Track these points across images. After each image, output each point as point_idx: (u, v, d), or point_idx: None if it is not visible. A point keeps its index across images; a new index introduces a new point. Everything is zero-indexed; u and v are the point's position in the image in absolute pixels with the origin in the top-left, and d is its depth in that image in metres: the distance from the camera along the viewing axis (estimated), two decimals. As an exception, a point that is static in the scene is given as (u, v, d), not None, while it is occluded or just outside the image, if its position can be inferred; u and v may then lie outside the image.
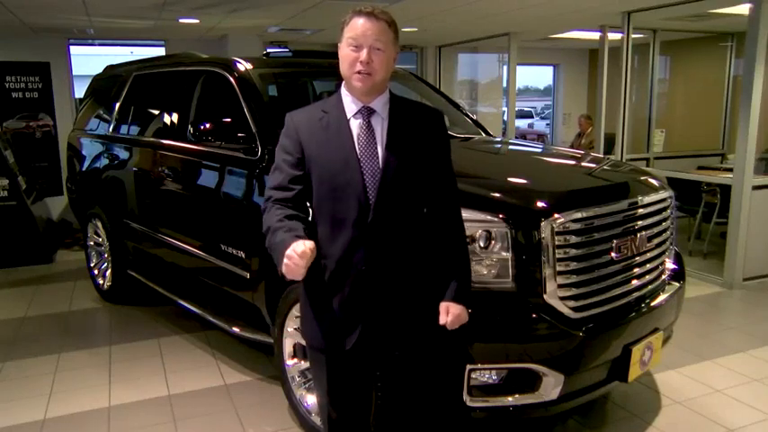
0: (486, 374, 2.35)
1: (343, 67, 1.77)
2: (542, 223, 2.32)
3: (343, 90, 1.84)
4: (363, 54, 1.72)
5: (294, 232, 1.67)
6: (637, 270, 2.62)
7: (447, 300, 1.86)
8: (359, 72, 1.73)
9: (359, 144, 1.77)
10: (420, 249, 1.85)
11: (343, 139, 1.78)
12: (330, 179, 1.76)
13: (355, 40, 1.73)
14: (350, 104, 1.81)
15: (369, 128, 1.79)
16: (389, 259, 1.78)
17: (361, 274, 1.76)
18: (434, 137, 1.88)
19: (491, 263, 2.31)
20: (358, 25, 1.73)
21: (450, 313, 1.84)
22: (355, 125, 1.79)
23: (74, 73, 7.87)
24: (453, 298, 1.86)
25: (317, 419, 2.69)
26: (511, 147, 3.94)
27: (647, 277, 2.69)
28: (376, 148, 1.77)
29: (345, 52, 1.76)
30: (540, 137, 15.31)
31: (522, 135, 13.60)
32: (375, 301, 1.79)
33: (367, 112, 1.80)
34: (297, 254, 1.57)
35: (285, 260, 1.60)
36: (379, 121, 1.81)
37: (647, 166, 6.79)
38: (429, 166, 1.84)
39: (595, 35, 7.59)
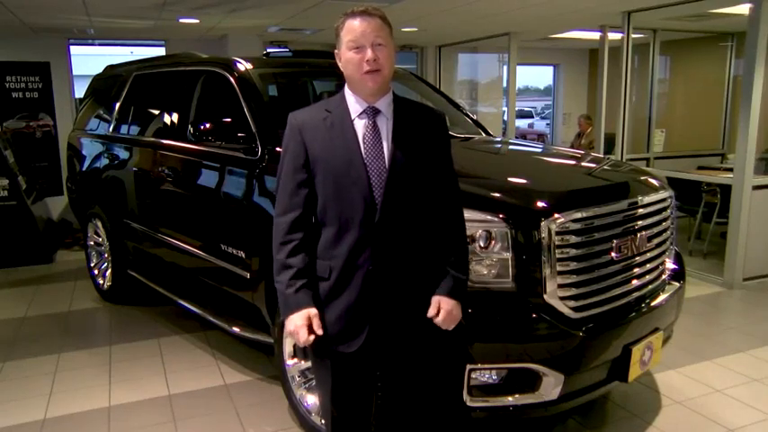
0: (486, 374, 2.35)
1: (350, 71, 1.76)
2: (542, 223, 2.32)
3: (347, 90, 1.83)
4: (368, 53, 1.72)
5: (297, 284, 1.77)
6: (637, 270, 2.62)
7: (440, 294, 1.84)
8: (368, 71, 1.73)
9: (364, 144, 1.77)
10: (426, 248, 1.85)
11: (348, 138, 1.77)
12: (335, 179, 1.76)
13: (356, 41, 1.72)
14: (354, 105, 1.81)
15: (374, 128, 1.79)
16: (396, 259, 1.78)
17: (369, 274, 1.76)
18: (437, 137, 1.88)
19: (491, 263, 2.31)
20: (355, 26, 1.73)
21: (441, 308, 1.82)
22: (360, 125, 1.79)
23: (74, 73, 7.87)
24: (447, 293, 1.84)
25: (317, 419, 2.69)
26: (511, 147, 3.94)
27: (647, 277, 2.69)
28: (382, 147, 1.77)
29: (349, 56, 1.74)
30: (540, 137, 15.33)
31: (522, 135, 13.61)
32: (382, 301, 1.78)
33: (372, 112, 1.79)
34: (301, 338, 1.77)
35: (292, 331, 1.79)
36: (384, 120, 1.81)
37: (647, 166, 6.79)
38: (433, 165, 1.84)
39: (595, 35, 7.59)
